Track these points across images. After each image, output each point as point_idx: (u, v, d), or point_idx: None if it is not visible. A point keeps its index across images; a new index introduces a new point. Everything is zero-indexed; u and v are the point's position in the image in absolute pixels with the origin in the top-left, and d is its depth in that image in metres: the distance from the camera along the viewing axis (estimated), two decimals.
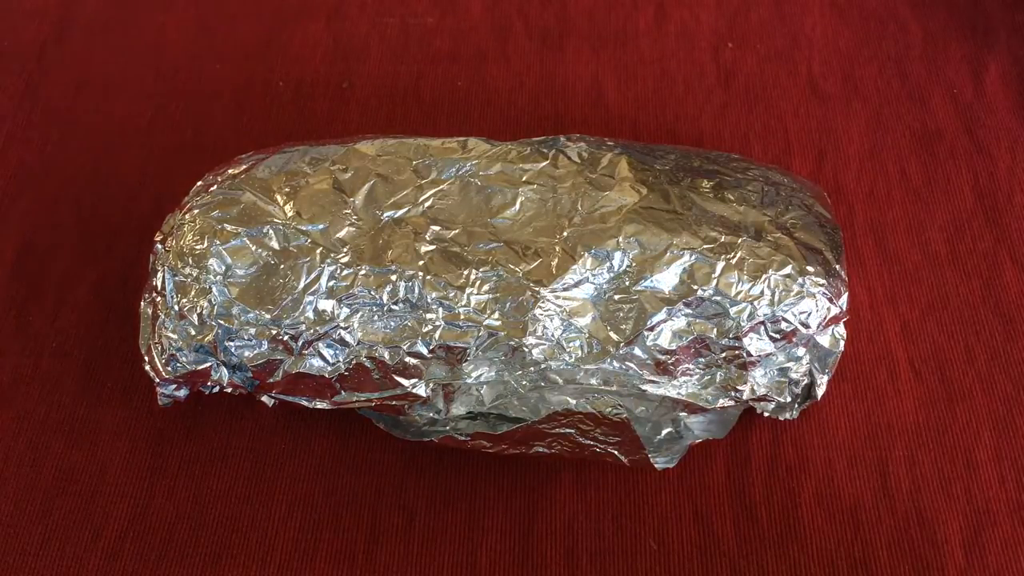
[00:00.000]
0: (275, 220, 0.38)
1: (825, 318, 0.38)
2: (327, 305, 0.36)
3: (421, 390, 0.37)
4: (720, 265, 0.37)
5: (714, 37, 0.54)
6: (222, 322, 0.37)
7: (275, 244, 0.37)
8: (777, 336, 0.37)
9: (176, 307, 0.37)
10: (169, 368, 0.38)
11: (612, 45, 0.54)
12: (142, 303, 0.39)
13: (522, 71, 0.53)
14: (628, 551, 0.39)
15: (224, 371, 0.38)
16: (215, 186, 0.39)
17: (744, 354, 0.37)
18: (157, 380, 0.39)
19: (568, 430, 0.37)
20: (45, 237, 0.48)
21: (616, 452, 0.38)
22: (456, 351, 0.36)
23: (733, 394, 0.38)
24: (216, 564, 0.39)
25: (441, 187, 0.38)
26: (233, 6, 0.56)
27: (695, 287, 0.36)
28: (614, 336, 0.36)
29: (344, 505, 0.41)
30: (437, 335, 0.36)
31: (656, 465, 0.38)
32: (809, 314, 0.37)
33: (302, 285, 0.37)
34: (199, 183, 0.41)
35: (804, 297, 0.37)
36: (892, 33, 0.53)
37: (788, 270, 0.37)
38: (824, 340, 0.39)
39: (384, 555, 0.40)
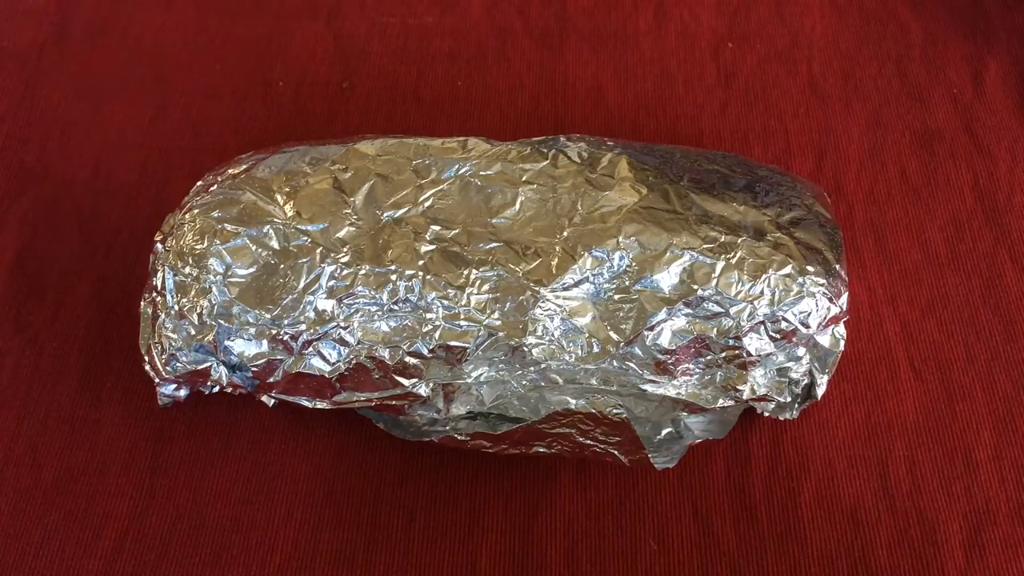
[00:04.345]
0: (275, 220, 0.38)
1: (825, 318, 0.38)
2: (327, 305, 0.36)
3: (421, 390, 0.37)
4: (720, 265, 0.37)
5: (714, 37, 0.54)
6: (222, 322, 0.37)
7: (275, 244, 0.37)
8: (777, 336, 0.37)
9: (176, 307, 0.37)
10: (169, 368, 0.38)
11: (612, 45, 0.54)
12: (142, 303, 0.39)
13: (522, 71, 0.53)
14: (628, 551, 0.39)
15: (224, 371, 0.38)
16: (215, 186, 0.39)
17: (744, 354, 0.37)
18: (157, 380, 0.39)
19: (568, 430, 0.37)
20: (45, 237, 0.48)
21: (616, 452, 0.38)
22: (456, 351, 0.36)
23: (733, 394, 0.38)
24: (216, 564, 0.39)
25: (441, 187, 0.38)
26: (233, 6, 0.56)
27: (695, 287, 0.36)
28: (614, 336, 0.36)
29: (344, 505, 0.41)
30: (437, 335, 0.36)
31: (656, 465, 0.38)
32: (809, 314, 0.37)
33: (302, 285, 0.37)
34: (199, 183, 0.41)
35: (804, 297, 0.37)
36: (892, 33, 0.53)
37: (788, 270, 0.37)
38: (824, 340, 0.39)
39: (384, 555, 0.40)
